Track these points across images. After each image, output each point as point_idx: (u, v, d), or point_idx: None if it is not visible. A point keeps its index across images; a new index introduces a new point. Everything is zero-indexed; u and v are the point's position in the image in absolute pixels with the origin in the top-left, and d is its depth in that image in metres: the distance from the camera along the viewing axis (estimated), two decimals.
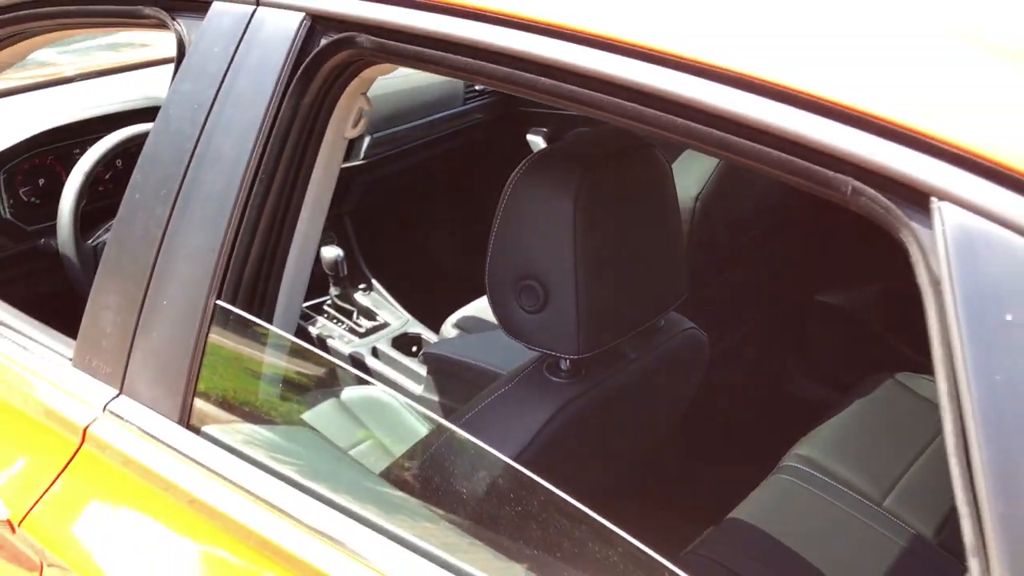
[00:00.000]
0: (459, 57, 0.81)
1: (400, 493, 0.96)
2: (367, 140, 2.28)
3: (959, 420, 0.56)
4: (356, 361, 2.11)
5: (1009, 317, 0.54)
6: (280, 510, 0.89)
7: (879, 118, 0.60)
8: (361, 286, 2.36)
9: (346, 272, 2.22)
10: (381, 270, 2.43)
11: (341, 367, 1.13)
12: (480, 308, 1.98)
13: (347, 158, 2.23)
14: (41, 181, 1.98)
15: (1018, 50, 0.62)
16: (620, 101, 0.73)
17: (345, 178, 2.25)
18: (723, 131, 0.67)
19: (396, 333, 2.21)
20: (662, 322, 1.26)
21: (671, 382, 1.30)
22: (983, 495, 0.54)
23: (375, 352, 2.14)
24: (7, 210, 1.91)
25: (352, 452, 1.10)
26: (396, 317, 2.28)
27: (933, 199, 0.58)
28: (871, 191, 0.60)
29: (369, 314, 2.27)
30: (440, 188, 2.69)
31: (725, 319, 1.88)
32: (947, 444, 0.56)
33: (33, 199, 1.96)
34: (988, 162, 0.56)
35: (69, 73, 2.40)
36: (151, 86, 2.28)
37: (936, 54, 0.64)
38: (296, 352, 1.06)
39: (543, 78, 0.76)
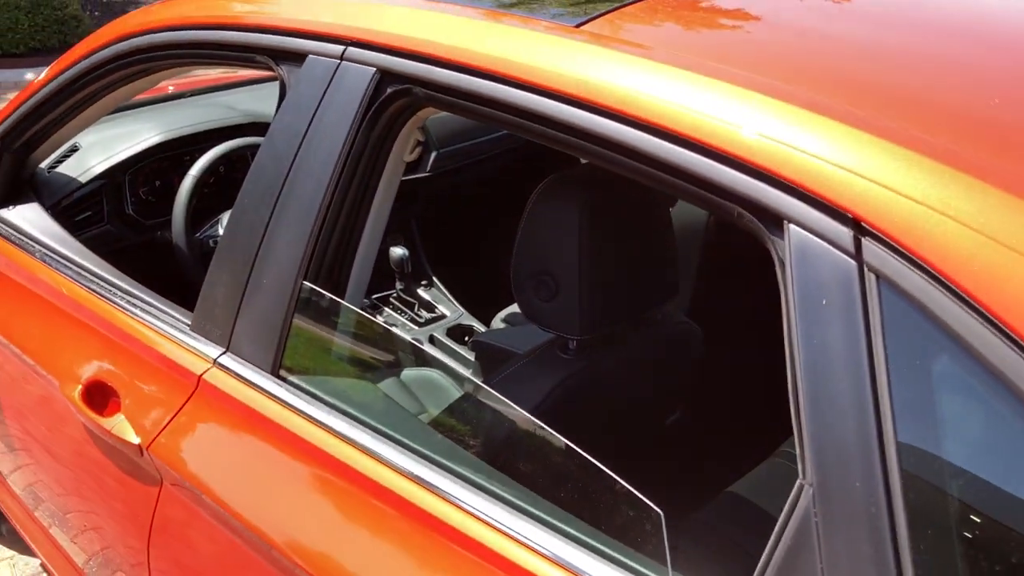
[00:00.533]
0: (480, 107, 1.10)
1: (436, 429, 1.25)
2: (433, 155, 2.56)
3: (794, 368, 0.83)
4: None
5: (824, 301, 0.81)
6: (344, 437, 1.19)
7: (755, 163, 0.87)
8: (423, 282, 2.66)
9: (410, 269, 2.51)
10: (441, 269, 2.71)
11: (390, 331, 1.41)
12: None
13: (415, 171, 2.53)
14: (157, 183, 2.33)
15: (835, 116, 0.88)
16: (595, 147, 1.01)
17: (412, 188, 2.54)
18: (660, 172, 0.95)
19: (451, 324, 2.50)
20: (659, 316, 1.54)
21: (663, 364, 1.57)
22: (803, 420, 0.81)
23: (432, 339, 2.44)
24: (130, 207, 2.27)
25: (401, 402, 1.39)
26: (452, 310, 2.57)
27: (785, 221, 0.85)
28: (749, 215, 0.88)
29: (429, 307, 2.57)
30: (498, 198, 2.95)
31: (738, 325, 2.11)
32: (789, 385, 0.84)
33: (150, 198, 2.31)
34: (816, 195, 0.83)
35: (171, 90, 2.76)
36: (245, 104, 2.62)
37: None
38: (362, 324, 1.36)
39: (536, 124, 1.05)
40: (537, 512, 1.03)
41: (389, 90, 1.20)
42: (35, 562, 2.63)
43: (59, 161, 2.21)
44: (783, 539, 0.82)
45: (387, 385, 1.36)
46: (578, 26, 1.11)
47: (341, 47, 1.26)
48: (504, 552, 1.00)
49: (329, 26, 1.29)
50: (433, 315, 2.53)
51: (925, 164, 0.80)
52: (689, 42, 1.11)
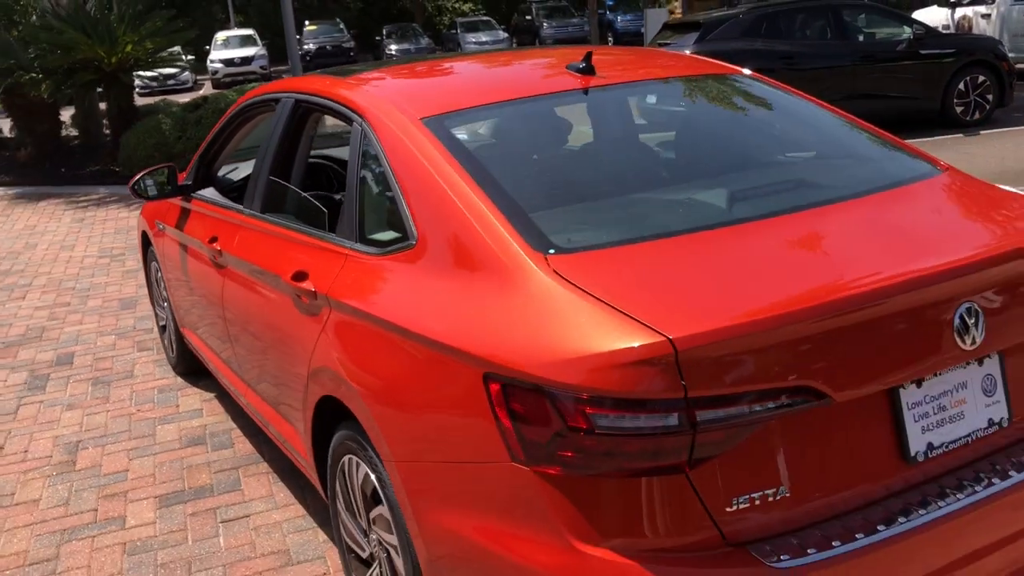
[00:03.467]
0: (315, 109, 3.45)
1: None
2: None
3: (355, 161, 3.05)
4: None
5: (360, 142, 3.04)
6: None
7: (351, 106, 3.11)
8: None
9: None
10: None
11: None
12: None
13: None
14: None
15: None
16: (328, 113, 3.30)
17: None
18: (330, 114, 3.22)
19: None
20: None
21: None
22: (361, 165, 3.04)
23: None
24: None
25: None
26: None
27: (354, 122, 3.08)
28: (344, 120, 3.11)
29: None
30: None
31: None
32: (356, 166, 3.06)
33: None
34: (358, 110, 3.06)
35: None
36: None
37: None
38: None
39: (319, 110, 3.36)
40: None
41: (300, 106, 3.59)
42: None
43: (227, 172, 4.77)
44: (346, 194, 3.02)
45: None
46: (351, 77, 3.42)
47: (287, 94, 3.69)
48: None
49: (284, 90, 3.73)
50: None
51: (401, 97, 3.03)
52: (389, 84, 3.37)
